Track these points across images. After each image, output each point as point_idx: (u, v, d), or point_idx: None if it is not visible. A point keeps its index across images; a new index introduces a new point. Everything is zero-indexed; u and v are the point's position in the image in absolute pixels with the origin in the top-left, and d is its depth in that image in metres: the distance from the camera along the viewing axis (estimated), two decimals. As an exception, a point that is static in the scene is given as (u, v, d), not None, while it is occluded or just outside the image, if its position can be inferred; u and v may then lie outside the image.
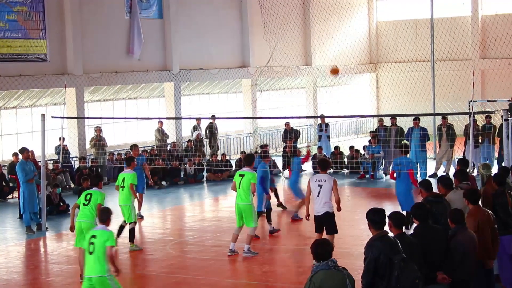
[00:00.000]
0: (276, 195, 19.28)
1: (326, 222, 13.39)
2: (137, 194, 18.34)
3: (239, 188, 14.55)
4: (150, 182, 19.80)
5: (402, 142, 22.39)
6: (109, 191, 22.99)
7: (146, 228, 17.99)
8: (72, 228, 13.63)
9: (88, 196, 13.18)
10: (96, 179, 13.78)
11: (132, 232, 15.55)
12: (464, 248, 9.27)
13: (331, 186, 13.25)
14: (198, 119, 27.80)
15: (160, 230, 18.02)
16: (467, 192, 10.53)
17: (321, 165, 13.83)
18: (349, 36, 37.41)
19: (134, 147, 19.92)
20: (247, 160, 15.09)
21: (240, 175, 14.66)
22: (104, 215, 10.50)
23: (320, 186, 13.25)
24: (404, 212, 14.55)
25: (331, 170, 23.87)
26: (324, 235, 13.13)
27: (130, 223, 15.49)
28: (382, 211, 8.45)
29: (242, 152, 26.63)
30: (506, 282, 11.45)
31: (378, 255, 8.08)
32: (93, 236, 10.25)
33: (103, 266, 10.11)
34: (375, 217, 8.33)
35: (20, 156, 18.71)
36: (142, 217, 18.84)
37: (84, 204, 13.14)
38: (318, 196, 13.27)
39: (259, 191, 16.06)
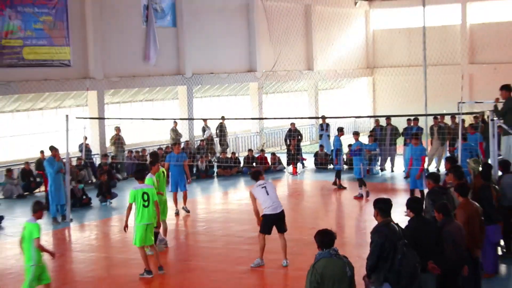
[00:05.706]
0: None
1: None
2: (180, 192, 18.38)
3: (148, 207, 12.42)
4: (188, 180, 18.27)
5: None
6: (126, 185, 23.13)
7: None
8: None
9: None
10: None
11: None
12: (453, 238, 9.27)
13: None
14: (206, 120, 27.80)
15: (174, 221, 18.05)
16: (458, 186, 10.54)
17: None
18: (347, 43, 37.40)
19: (175, 144, 19.14)
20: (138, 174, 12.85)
21: (144, 193, 12.43)
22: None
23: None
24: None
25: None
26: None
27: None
28: (389, 200, 8.56)
29: (249, 150, 26.68)
30: (487, 267, 11.51)
31: (384, 241, 8.18)
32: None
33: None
34: (383, 206, 8.42)
35: (48, 153, 18.76)
36: (188, 211, 18.44)
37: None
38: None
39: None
